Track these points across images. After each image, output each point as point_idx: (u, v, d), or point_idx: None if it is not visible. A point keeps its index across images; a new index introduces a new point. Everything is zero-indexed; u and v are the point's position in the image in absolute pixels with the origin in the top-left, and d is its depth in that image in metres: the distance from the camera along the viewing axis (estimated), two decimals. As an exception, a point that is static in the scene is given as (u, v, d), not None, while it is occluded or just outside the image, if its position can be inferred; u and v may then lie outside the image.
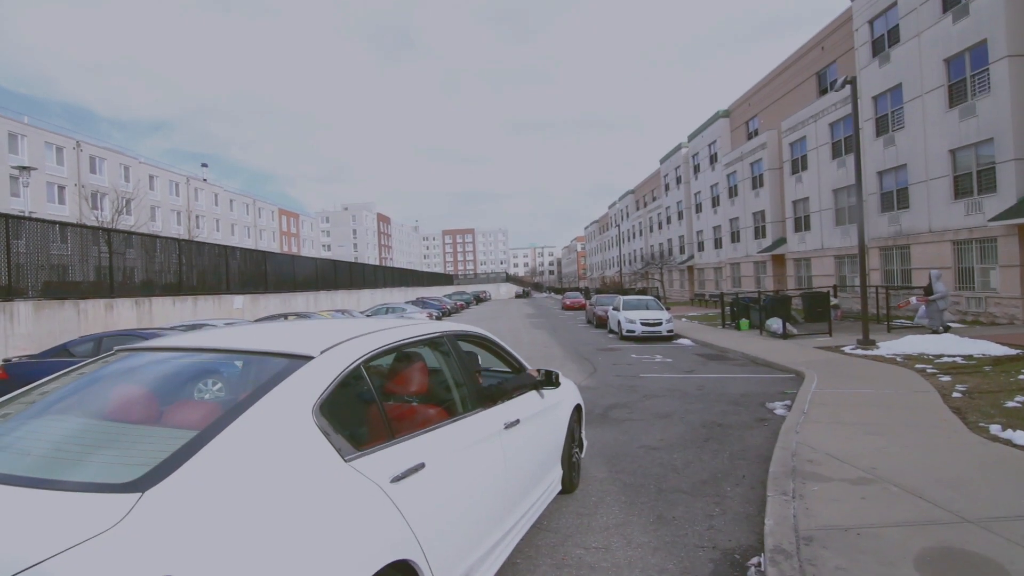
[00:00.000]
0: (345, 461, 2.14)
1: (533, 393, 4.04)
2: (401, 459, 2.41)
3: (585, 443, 5.36)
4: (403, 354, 3.03)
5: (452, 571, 2.53)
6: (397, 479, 2.31)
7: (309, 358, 2.36)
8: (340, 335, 2.67)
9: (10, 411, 2.37)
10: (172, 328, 12.21)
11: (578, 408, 5.01)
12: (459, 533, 2.67)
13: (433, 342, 3.33)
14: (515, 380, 3.83)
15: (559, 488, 4.43)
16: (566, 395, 4.74)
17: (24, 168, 23.92)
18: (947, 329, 14.36)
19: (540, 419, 4.00)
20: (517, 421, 3.55)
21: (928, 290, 14.81)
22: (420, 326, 3.32)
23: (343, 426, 2.27)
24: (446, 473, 2.66)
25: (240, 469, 1.80)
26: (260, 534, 1.69)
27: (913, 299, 17.17)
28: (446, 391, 3.24)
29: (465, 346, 3.79)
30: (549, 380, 4.19)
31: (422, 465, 2.48)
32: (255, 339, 2.88)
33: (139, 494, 1.55)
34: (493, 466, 3.15)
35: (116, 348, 2.93)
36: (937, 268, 17.01)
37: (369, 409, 2.58)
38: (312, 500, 1.93)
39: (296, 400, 2.13)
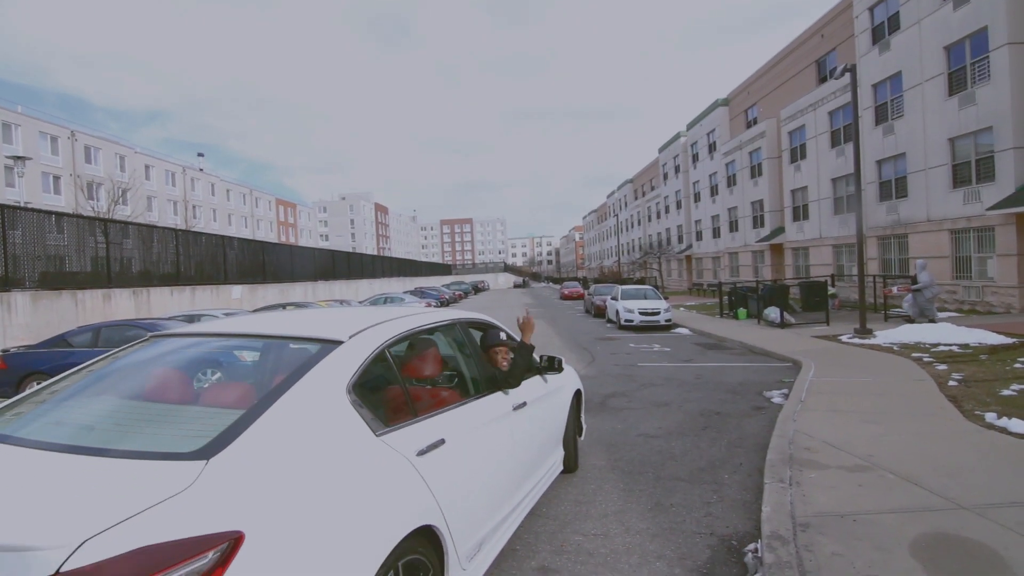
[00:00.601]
0: (376, 436, 2.34)
1: (538, 378, 4.23)
2: (424, 435, 2.60)
3: (584, 426, 5.54)
4: (421, 339, 3.19)
5: (469, 539, 2.72)
6: (422, 453, 2.51)
7: (339, 342, 2.54)
8: (364, 322, 2.85)
9: (61, 392, 2.57)
10: (171, 318, 12.20)
11: (578, 393, 5.21)
12: (475, 504, 2.85)
13: (447, 329, 3.55)
14: (511, 368, 3.91)
15: (561, 468, 4.68)
16: (567, 380, 4.93)
17: (19, 158, 23.77)
18: (932, 320, 14.33)
19: (544, 402, 4.19)
20: (524, 403, 3.74)
21: (915, 280, 14.84)
22: (435, 314, 3.52)
23: (372, 404, 2.47)
24: (463, 449, 2.85)
25: (288, 441, 2.00)
26: (308, 496, 1.89)
27: (895, 288, 17.21)
28: (460, 374, 3.48)
29: (476, 333, 3.97)
30: (552, 366, 4.43)
31: (443, 441, 2.68)
32: (284, 325, 3.07)
33: (204, 461, 1.77)
34: (504, 444, 3.37)
35: (150, 335, 3.12)
36: (923, 258, 17.00)
37: (393, 389, 2.79)
38: (350, 469, 2.14)
39: (331, 380, 2.33)
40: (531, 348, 3.95)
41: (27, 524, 1.51)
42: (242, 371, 3.14)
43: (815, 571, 3.04)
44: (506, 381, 3.63)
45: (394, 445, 2.39)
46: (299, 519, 1.82)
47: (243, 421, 1.98)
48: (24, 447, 2.02)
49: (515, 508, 3.44)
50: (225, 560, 1.57)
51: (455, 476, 2.69)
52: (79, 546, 1.42)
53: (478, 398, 3.32)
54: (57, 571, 1.38)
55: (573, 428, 4.98)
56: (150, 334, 3.12)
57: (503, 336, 4.03)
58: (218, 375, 2.95)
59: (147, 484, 1.67)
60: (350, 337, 2.60)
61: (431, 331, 3.34)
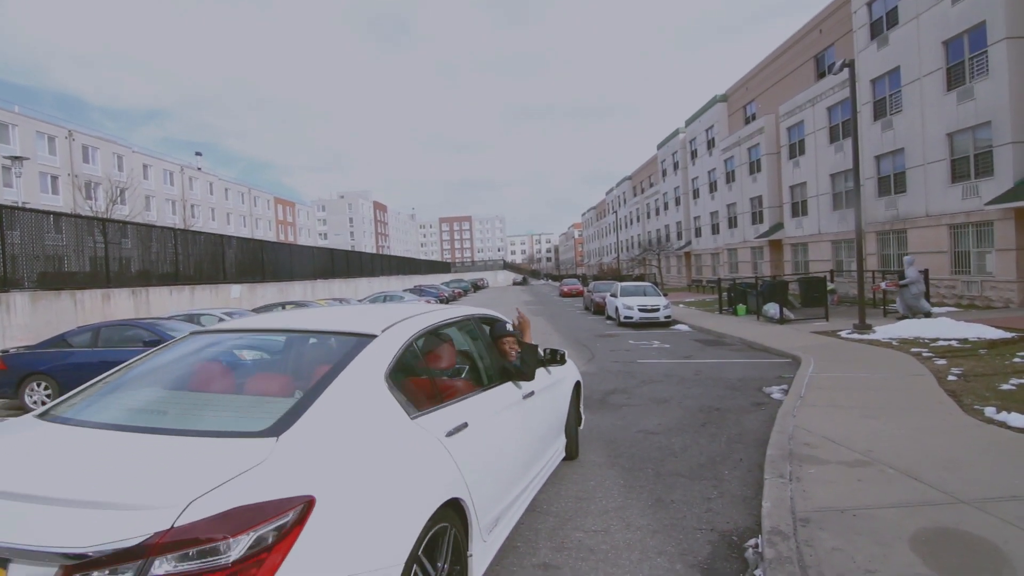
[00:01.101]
0: (411, 418, 2.61)
1: (542, 369, 4.46)
2: (450, 419, 2.87)
3: (583, 416, 5.79)
4: (442, 333, 3.49)
5: (489, 513, 2.99)
6: (450, 434, 2.78)
7: (374, 336, 2.82)
8: (393, 317, 3.13)
9: (119, 385, 2.86)
10: (170, 318, 12.19)
11: (578, 384, 5.50)
12: (494, 482, 3.13)
13: (463, 323, 3.84)
14: (524, 361, 4.13)
15: (563, 455, 4.96)
16: (568, 372, 5.21)
17: (16, 158, 23.73)
18: (927, 315, 14.33)
19: (549, 392, 4.47)
20: (532, 393, 4.04)
21: (902, 275, 14.85)
22: (451, 310, 3.79)
23: (404, 391, 2.71)
24: (483, 433, 3.13)
25: (340, 421, 2.30)
26: (361, 467, 2.19)
27: (883, 284, 17.22)
28: (475, 365, 3.75)
29: (485, 327, 4.23)
30: (555, 358, 4.73)
31: (466, 425, 2.95)
32: (319, 321, 3.33)
33: (275, 438, 2.08)
34: (516, 429, 3.67)
35: (189, 331, 3.41)
36: (910, 255, 16.99)
37: (420, 378, 3.04)
38: (393, 446, 2.42)
39: (371, 369, 2.61)
40: (534, 346, 4.18)
41: (142, 489, 1.80)
42: (284, 362, 3.34)
43: (815, 566, 3.05)
44: (521, 373, 3.92)
45: (426, 427, 2.66)
46: (356, 486, 2.11)
47: (302, 404, 2.28)
48: (111, 430, 2.30)
49: (525, 488, 3.72)
50: (302, 519, 1.84)
51: (477, 456, 2.95)
52: (187, 505, 1.69)
53: (493, 387, 3.61)
54: (171, 526, 1.65)
55: (574, 417, 5.27)
56: (189, 331, 3.41)
57: (509, 327, 4.28)
58: (263, 365, 3.25)
59: (230, 457, 1.97)
60: (383, 331, 2.88)
61: (450, 325, 3.63)
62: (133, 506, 1.71)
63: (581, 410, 5.64)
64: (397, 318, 3.13)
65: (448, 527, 2.53)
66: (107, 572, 1.62)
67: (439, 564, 2.45)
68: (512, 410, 3.66)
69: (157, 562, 1.62)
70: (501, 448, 3.35)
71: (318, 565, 1.84)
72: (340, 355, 2.67)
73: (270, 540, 1.75)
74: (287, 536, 1.79)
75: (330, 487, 1.98)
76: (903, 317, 14.64)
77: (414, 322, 3.16)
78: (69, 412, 2.58)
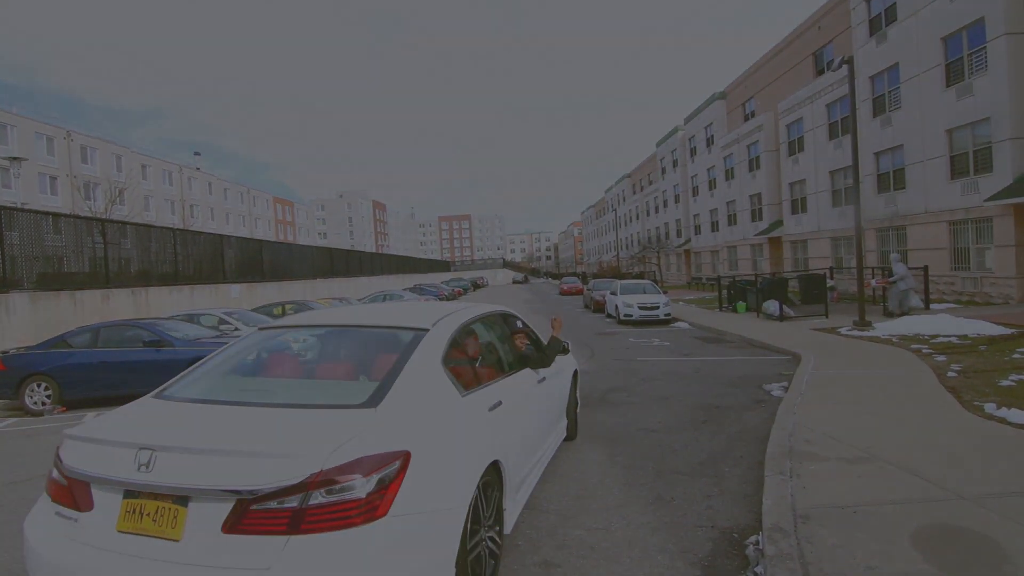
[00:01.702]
0: (462, 396, 3.16)
1: None
2: (489, 397, 3.47)
3: (580, 401, 6.37)
4: (475, 327, 4.02)
5: (516, 476, 3.58)
6: (491, 409, 3.39)
7: (427, 330, 3.33)
8: (438, 314, 3.68)
9: (212, 371, 3.35)
10: (170, 318, 12.19)
11: (576, 373, 6.15)
12: (520, 450, 3.74)
13: (488, 318, 4.38)
14: (540, 350, 4.86)
15: (565, 434, 5.54)
16: (568, 362, 5.82)
17: (15, 159, 23.69)
18: (909, 311, 14.35)
19: (556, 378, 5.09)
20: (544, 378, 4.68)
21: (891, 272, 14.88)
22: (480, 308, 4.34)
23: (454, 374, 3.23)
24: (512, 409, 3.71)
25: (415, 396, 2.83)
26: (436, 432, 2.77)
27: (874, 281, 17.23)
28: (500, 354, 4.32)
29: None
30: (560, 349, 5.23)
31: (500, 402, 3.54)
32: (376, 318, 3.87)
33: (373, 408, 2.64)
34: (534, 408, 4.33)
35: (259, 327, 3.95)
36: (897, 252, 16.99)
37: (463, 364, 3.53)
38: (454, 416, 3.01)
39: (431, 355, 3.14)
40: (559, 340, 5.02)
41: (292, 443, 2.32)
42: (354, 350, 3.70)
43: (816, 563, 3.05)
44: (540, 361, 4.63)
45: (473, 403, 3.24)
46: (434, 445, 2.66)
47: (386, 383, 2.82)
48: (234, 405, 2.84)
49: (539, 460, 4.36)
50: (403, 467, 2.39)
51: (508, 429, 3.56)
52: (331, 454, 2.22)
53: (515, 372, 4.22)
54: (321, 469, 2.17)
55: (573, 401, 5.92)
56: (259, 326, 3.96)
57: (519, 324, 4.99)
58: (337, 353, 3.74)
59: (344, 422, 2.51)
60: (433, 325, 3.40)
61: (479, 320, 4.17)
62: (290, 455, 2.22)
63: (578, 395, 6.20)
64: (442, 314, 3.66)
65: (491, 481, 3.11)
66: (275, 503, 2.14)
67: (487, 511, 3.04)
68: (531, 392, 4.31)
69: (314, 494, 2.16)
70: (524, 423, 3.98)
71: (414, 500, 2.39)
72: (404, 345, 3.19)
73: (386, 481, 2.31)
74: (396, 478, 2.35)
75: (418, 445, 2.52)
76: (890, 314, 14.69)
77: (455, 317, 3.70)
78: (185, 394, 3.08)
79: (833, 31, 26.18)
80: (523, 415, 3.98)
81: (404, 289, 36.66)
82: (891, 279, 14.83)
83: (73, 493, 2.42)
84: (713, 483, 4.62)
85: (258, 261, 23.89)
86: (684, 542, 3.62)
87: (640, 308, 18.62)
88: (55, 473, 2.56)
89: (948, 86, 18.33)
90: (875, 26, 21.79)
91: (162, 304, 16.71)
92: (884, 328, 12.34)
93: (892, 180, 21.54)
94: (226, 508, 2.17)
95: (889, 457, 4.64)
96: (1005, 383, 7.00)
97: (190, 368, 3.40)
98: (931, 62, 18.83)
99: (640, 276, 47.36)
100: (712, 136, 40.71)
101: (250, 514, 2.15)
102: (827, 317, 15.84)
